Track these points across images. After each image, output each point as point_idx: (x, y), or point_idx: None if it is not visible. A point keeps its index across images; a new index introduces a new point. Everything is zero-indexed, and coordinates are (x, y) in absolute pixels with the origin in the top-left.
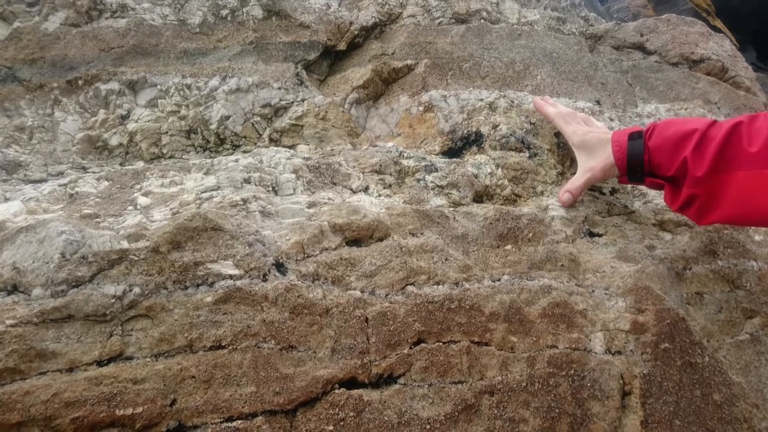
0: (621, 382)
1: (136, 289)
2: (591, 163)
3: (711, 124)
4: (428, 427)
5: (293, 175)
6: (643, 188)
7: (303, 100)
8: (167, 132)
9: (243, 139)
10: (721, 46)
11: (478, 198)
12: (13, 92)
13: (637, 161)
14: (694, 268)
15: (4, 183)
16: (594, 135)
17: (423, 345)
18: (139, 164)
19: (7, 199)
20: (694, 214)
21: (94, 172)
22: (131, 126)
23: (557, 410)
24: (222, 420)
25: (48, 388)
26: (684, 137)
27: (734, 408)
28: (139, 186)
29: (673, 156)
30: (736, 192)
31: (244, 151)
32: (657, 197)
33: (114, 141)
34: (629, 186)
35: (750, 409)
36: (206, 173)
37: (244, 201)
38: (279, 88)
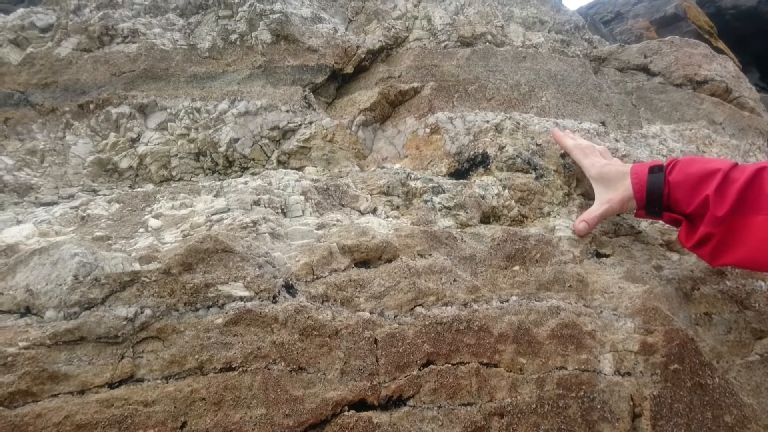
0: (631, 403)
1: (148, 311)
2: (609, 195)
3: (733, 166)
4: None
5: (302, 197)
6: None
7: (311, 123)
8: (177, 155)
9: (251, 162)
10: (724, 68)
11: (486, 219)
12: (25, 116)
13: (657, 195)
14: (702, 288)
15: (15, 206)
16: (612, 168)
17: (432, 366)
18: (149, 186)
19: (19, 222)
20: (708, 254)
21: (104, 195)
22: (141, 149)
23: None
24: None
25: (60, 410)
26: (707, 176)
27: (746, 430)
28: (149, 208)
29: (694, 193)
30: (755, 236)
31: (253, 173)
32: None
33: (124, 164)
34: None
35: (762, 431)
36: (216, 195)
37: (254, 223)
38: (287, 111)
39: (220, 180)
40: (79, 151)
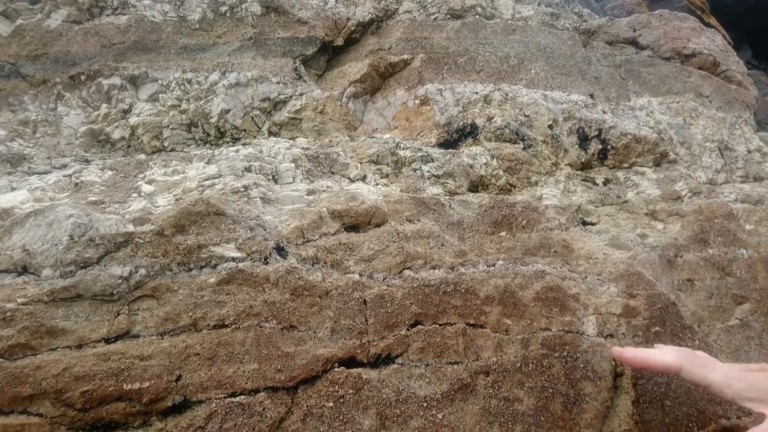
0: (613, 363)
1: (142, 271)
2: None
3: None
4: (425, 405)
5: (292, 165)
6: (636, 178)
7: (301, 94)
8: (168, 125)
9: (243, 133)
10: (712, 41)
11: (474, 188)
12: (17, 87)
13: None
14: (685, 255)
15: (9, 175)
16: (761, 375)
17: (420, 327)
18: (142, 156)
19: (13, 189)
20: None
21: (97, 163)
22: (133, 120)
23: (551, 390)
24: (226, 395)
25: (58, 363)
26: None
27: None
28: (142, 175)
29: None
30: None
31: (244, 144)
32: (649, 188)
33: (116, 134)
34: (622, 176)
35: None
36: (208, 162)
37: (246, 188)
38: (278, 83)
39: (211, 150)
40: (72, 122)
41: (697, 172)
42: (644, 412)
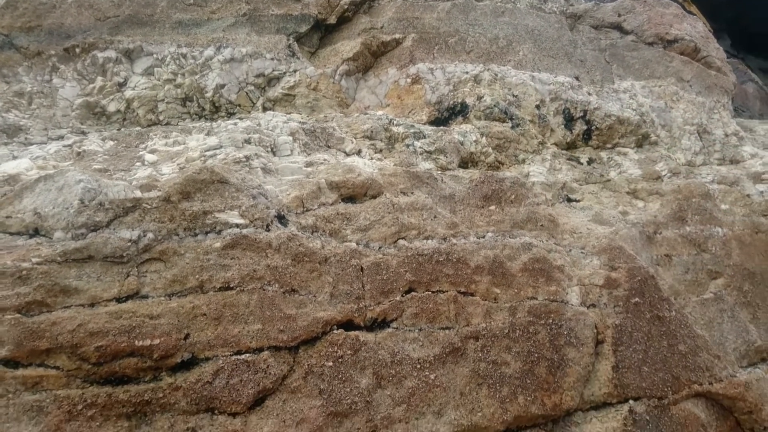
0: (595, 331)
1: (150, 235)
2: None
3: None
4: (419, 366)
5: (290, 138)
6: (619, 159)
7: (295, 71)
8: (164, 99)
9: (237, 108)
10: (694, 27)
11: (464, 164)
12: (10, 59)
13: None
14: (664, 232)
15: (6, 145)
16: None
17: (414, 293)
18: (139, 128)
19: (15, 157)
20: None
21: (97, 134)
22: (128, 93)
23: (536, 355)
24: (231, 353)
25: (73, 319)
26: None
27: (698, 358)
28: (143, 145)
29: None
30: None
31: (241, 118)
32: (631, 168)
33: (112, 107)
34: (605, 156)
35: (712, 360)
36: (207, 134)
37: (247, 158)
38: (272, 59)
39: (209, 123)
40: (67, 94)
41: (676, 153)
42: (623, 376)
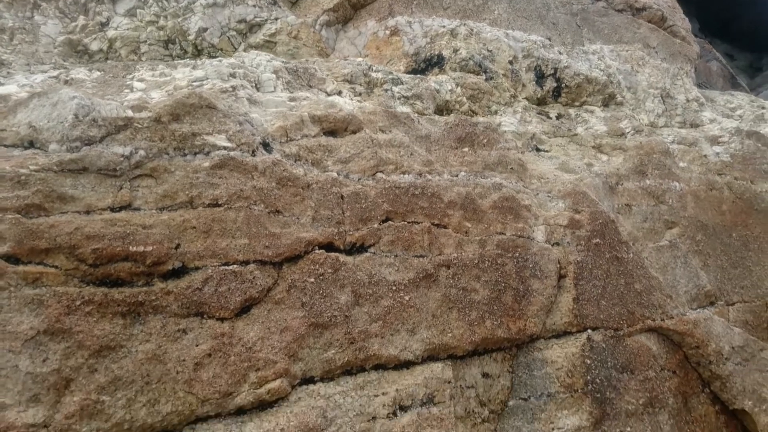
0: (558, 266)
1: (141, 152)
2: None
3: None
4: (394, 288)
5: (274, 75)
6: (586, 116)
7: (276, 19)
8: (146, 41)
9: (219, 52)
10: None
11: (439, 111)
12: None
13: None
14: (625, 183)
15: None
16: None
17: (390, 222)
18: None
19: (2, 84)
20: None
21: (83, 67)
22: (111, 33)
23: (503, 284)
24: (220, 264)
25: (70, 223)
26: None
27: (652, 296)
28: (131, 76)
29: None
30: None
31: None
32: (597, 124)
33: (94, 46)
34: (573, 113)
35: (665, 299)
36: (193, 68)
37: (233, 88)
38: (254, 6)
39: (194, 60)
40: (49, 31)
41: (640, 114)
42: (582, 308)
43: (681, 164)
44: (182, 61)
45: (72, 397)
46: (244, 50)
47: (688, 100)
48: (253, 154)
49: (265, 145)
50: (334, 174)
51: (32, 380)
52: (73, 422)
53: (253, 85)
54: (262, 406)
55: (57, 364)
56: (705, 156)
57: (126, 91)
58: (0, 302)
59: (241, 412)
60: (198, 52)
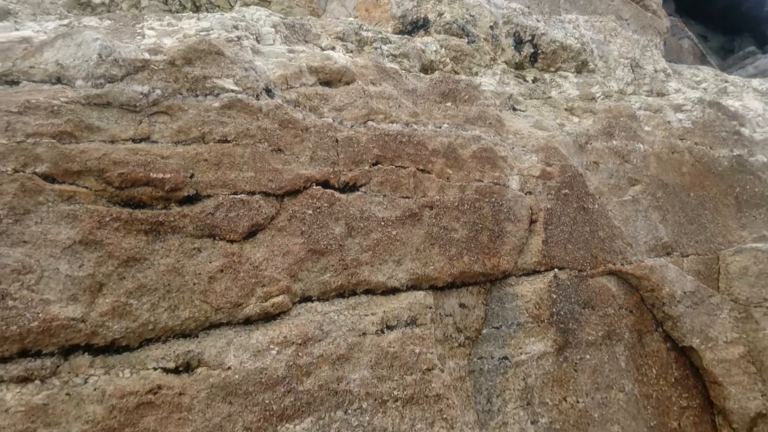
0: (530, 211)
1: (158, 91)
2: None
3: None
4: (383, 223)
5: (273, 29)
6: (560, 81)
7: None
8: None
9: (217, 8)
10: None
11: (424, 70)
12: None
13: None
14: (594, 143)
15: (4, 20)
16: None
17: (380, 166)
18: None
19: (17, 29)
20: None
21: (91, 17)
22: None
23: (480, 225)
24: (229, 193)
25: (98, 150)
26: None
27: (614, 243)
28: (140, 25)
29: None
30: None
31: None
32: (570, 89)
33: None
34: (548, 78)
35: (625, 247)
36: (198, 20)
37: (238, 38)
38: None
39: (196, 14)
40: None
41: (610, 82)
42: (550, 249)
43: (646, 128)
44: (186, 14)
45: (105, 299)
46: (240, 7)
47: (656, 71)
48: (258, 98)
49: (268, 91)
50: (330, 120)
51: (71, 282)
52: (106, 320)
53: (254, 37)
54: (267, 318)
55: (91, 270)
56: (669, 122)
57: (138, 38)
58: (40, 215)
59: (249, 322)
60: (196, 8)
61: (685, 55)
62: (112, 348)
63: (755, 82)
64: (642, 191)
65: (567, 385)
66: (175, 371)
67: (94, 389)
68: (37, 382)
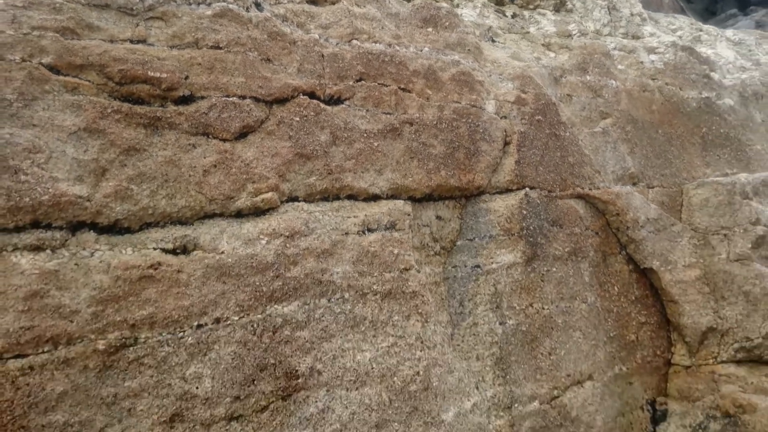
0: (504, 134)
1: None
2: None
3: None
4: (366, 135)
5: None
6: (538, 18)
7: None
8: None
9: None
10: None
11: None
12: None
13: None
14: (568, 77)
15: None
16: None
17: (363, 82)
18: None
19: None
20: None
21: None
22: None
23: (457, 143)
24: (222, 96)
25: (99, 47)
26: None
27: (583, 169)
28: None
29: None
30: None
31: None
32: (548, 26)
33: None
34: (527, 14)
35: (594, 173)
36: None
37: None
38: None
39: None
40: None
41: (587, 23)
42: (522, 170)
43: (619, 66)
44: None
45: (108, 183)
46: None
47: (632, 14)
48: (248, 10)
49: (257, 5)
50: (316, 36)
51: (77, 164)
52: (110, 201)
53: None
54: (257, 212)
55: (95, 155)
56: (641, 62)
57: None
58: (47, 102)
59: (240, 215)
60: None
61: (665, 10)
62: (115, 228)
63: (729, 32)
64: (612, 124)
65: (534, 293)
66: (173, 252)
67: (100, 261)
68: (48, 251)
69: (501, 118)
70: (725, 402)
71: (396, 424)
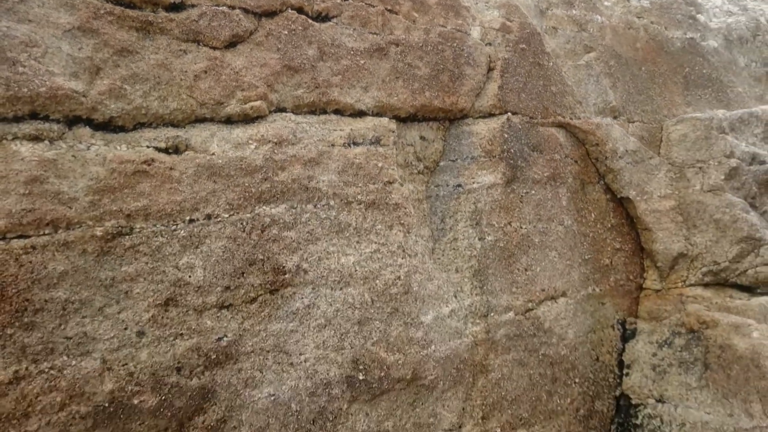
0: (488, 59)
1: None
2: None
3: None
4: (352, 52)
5: None
6: None
7: None
8: None
9: None
10: None
11: None
12: None
13: None
14: (554, 10)
15: None
16: None
17: (350, 1)
18: None
19: None
20: None
21: None
22: None
23: (441, 66)
24: (212, 5)
25: None
26: None
27: (565, 99)
28: None
29: None
30: None
31: None
32: None
33: None
34: None
35: (575, 104)
36: None
37: None
38: None
39: None
40: None
41: None
42: (505, 95)
43: (606, 3)
44: None
45: (102, 80)
46: None
47: None
48: None
49: None
50: None
51: (72, 61)
52: (104, 98)
53: None
54: (247, 120)
55: (90, 53)
56: (627, 0)
57: None
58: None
59: (230, 121)
60: None
61: None
62: (110, 126)
63: None
64: (596, 58)
65: (512, 213)
66: (166, 151)
67: (96, 155)
68: (47, 142)
69: (486, 44)
70: (690, 319)
71: (377, 322)
